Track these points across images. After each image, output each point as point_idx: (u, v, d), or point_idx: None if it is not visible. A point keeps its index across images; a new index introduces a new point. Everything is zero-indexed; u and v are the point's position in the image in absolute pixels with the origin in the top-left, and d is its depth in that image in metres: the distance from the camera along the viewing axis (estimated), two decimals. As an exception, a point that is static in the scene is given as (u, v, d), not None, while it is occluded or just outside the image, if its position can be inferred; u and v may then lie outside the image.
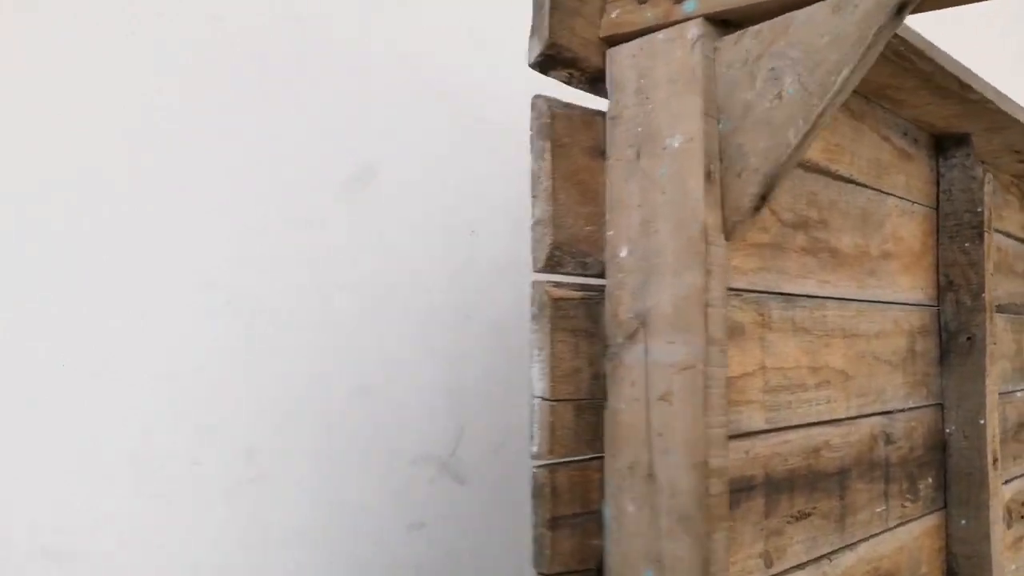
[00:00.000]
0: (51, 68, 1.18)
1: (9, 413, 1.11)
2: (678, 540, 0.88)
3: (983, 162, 1.77)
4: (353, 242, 1.47)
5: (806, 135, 0.81)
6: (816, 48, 0.79)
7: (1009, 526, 1.79)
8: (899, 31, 1.11)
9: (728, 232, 0.88)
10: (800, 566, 1.21)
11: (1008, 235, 1.93)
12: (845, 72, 0.78)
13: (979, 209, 1.56)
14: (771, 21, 0.83)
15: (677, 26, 0.89)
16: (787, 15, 0.82)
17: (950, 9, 0.87)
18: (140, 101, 1.25)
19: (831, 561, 1.27)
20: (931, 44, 1.20)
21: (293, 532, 1.36)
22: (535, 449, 0.91)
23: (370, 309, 1.47)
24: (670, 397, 0.88)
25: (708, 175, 0.86)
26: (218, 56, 1.34)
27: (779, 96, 0.82)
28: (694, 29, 0.87)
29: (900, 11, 0.75)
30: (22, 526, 1.12)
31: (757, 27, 0.85)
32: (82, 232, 1.20)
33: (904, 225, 1.50)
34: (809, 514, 1.23)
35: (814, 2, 0.80)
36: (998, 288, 1.84)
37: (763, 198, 0.86)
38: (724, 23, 0.89)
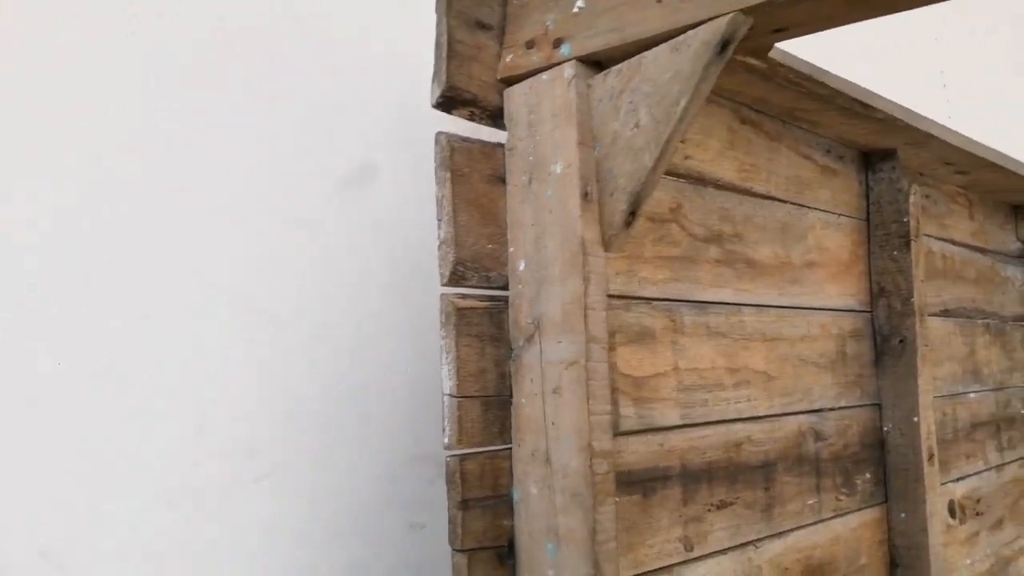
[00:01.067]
0: (49, 68, 1.20)
1: (8, 414, 1.12)
2: (571, 515, 1.00)
3: (921, 175, 1.88)
4: (352, 241, 1.49)
5: (659, 158, 0.94)
6: (661, 83, 0.93)
7: (962, 522, 1.87)
8: (787, 60, 1.23)
9: (606, 244, 1.01)
10: (723, 551, 1.31)
11: (955, 243, 2.03)
12: (683, 102, 0.91)
13: (905, 219, 1.67)
14: (628, 61, 0.97)
15: (557, 67, 1.03)
16: (640, 55, 0.95)
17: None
18: (139, 101, 1.27)
19: (756, 548, 1.37)
20: (821, 70, 1.32)
21: (293, 532, 1.38)
22: (446, 440, 1.04)
23: (369, 308, 1.50)
24: (560, 390, 1.01)
25: (585, 195, 1.00)
26: (217, 56, 1.36)
27: (636, 125, 0.96)
28: (569, 70, 1.01)
29: (724, 48, 0.88)
30: (21, 528, 1.13)
31: (619, 66, 0.98)
32: (81, 232, 1.21)
33: (829, 236, 1.61)
34: (731, 503, 1.34)
35: (657, 44, 0.93)
36: (943, 293, 1.94)
37: (632, 214, 0.99)
38: (597, 64, 1.02)
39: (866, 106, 1.44)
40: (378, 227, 1.54)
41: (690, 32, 0.90)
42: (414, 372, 1.56)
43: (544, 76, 1.04)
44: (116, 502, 1.21)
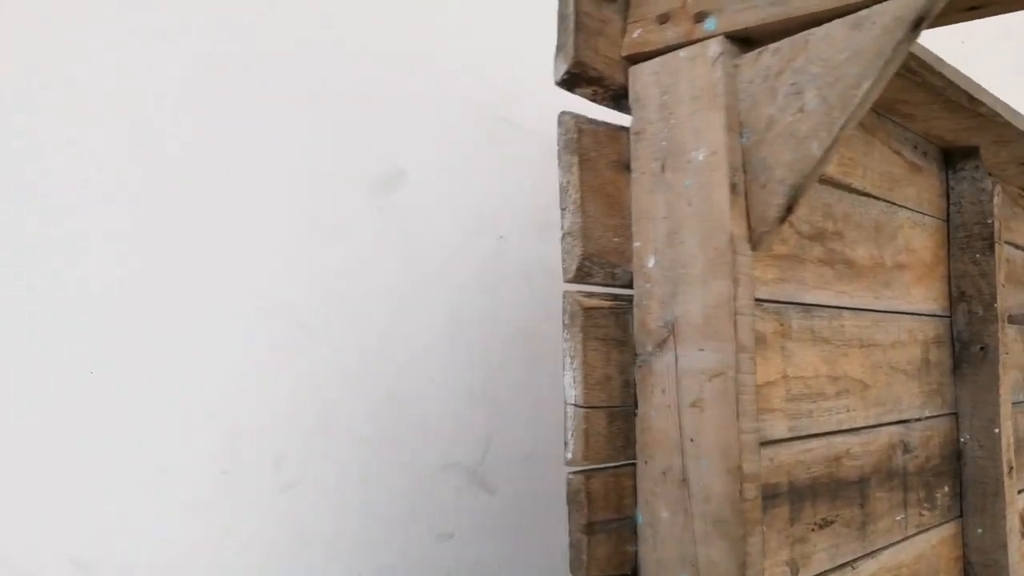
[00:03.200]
0: (76, 70, 1.17)
1: (38, 421, 1.12)
2: (713, 544, 0.90)
3: (990, 174, 1.81)
4: (382, 247, 1.47)
5: (829, 147, 0.84)
6: (836, 63, 0.83)
7: (1026, 535, 1.80)
8: (914, 47, 1.14)
9: (754, 242, 0.91)
10: (824, 573, 1.23)
11: (1017, 247, 1.96)
12: (865, 86, 0.81)
13: (989, 221, 1.59)
14: (790, 39, 0.86)
15: (698, 44, 0.92)
16: (805, 32, 0.85)
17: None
18: (167, 106, 1.26)
19: (854, 568, 1.28)
20: (940, 59, 1.23)
21: (321, 541, 1.35)
22: (569, 456, 0.93)
23: (398, 315, 1.47)
24: (701, 403, 0.91)
25: (733, 187, 0.89)
26: (247, 62, 1.34)
27: (801, 110, 0.85)
28: (715, 47, 0.91)
29: (917, 26, 0.79)
30: (50, 535, 1.12)
31: (776, 44, 0.88)
32: (109, 239, 1.20)
33: (916, 237, 1.53)
34: (832, 522, 1.25)
35: (829, 20, 0.83)
36: (1009, 299, 1.86)
37: (789, 208, 0.89)
38: (744, 41, 0.92)
39: (972, 99, 1.35)
40: (406, 232, 1.52)
41: (876, 7, 0.80)
42: (444, 380, 1.54)
43: (682, 53, 0.94)
44: (147, 510, 1.20)
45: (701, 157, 0.91)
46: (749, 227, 0.91)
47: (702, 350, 0.91)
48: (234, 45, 1.32)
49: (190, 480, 1.23)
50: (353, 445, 1.38)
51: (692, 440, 0.91)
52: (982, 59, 2.96)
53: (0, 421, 1.08)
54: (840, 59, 0.82)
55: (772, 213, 0.89)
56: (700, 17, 0.92)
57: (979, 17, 0.85)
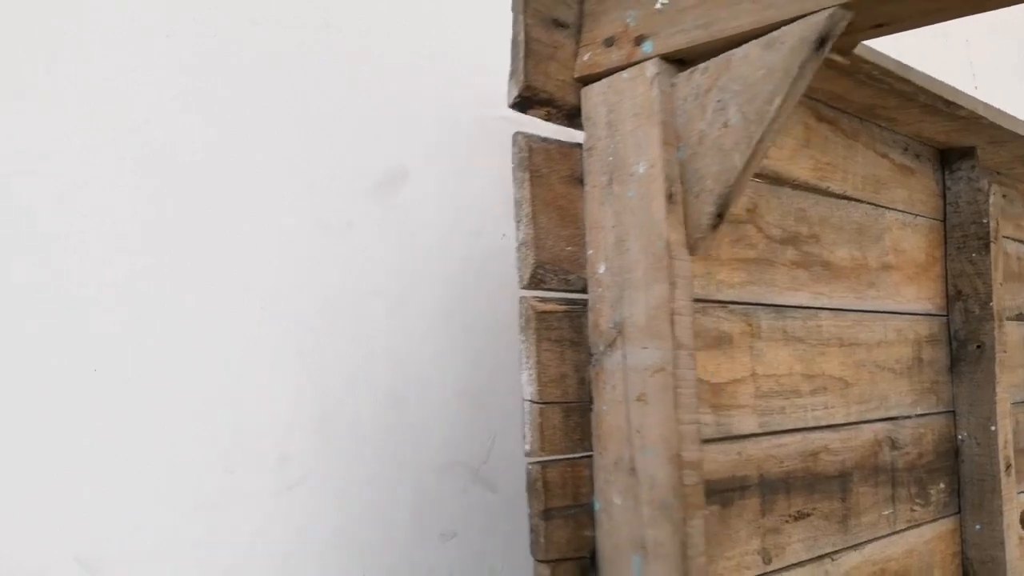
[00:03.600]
0: (78, 69, 1.19)
1: (42, 419, 1.12)
2: (659, 527, 0.97)
3: (998, 173, 1.82)
4: (385, 247, 1.47)
5: (750, 158, 0.91)
6: (752, 81, 0.89)
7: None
8: (872, 56, 1.19)
9: (691, 247, 0.98)
10: (800, 564, 1.28)
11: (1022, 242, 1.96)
12: (777, 101, 0.87)
13: (985, 220, 1.61)
14: (716, 58, 0.94)
15: (638, 65, 1.00)
16: (728, 52, 0.92)
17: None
18: (169, 106, 1.26)
19: (833, 560, 1.33)
20: (905, 66, 1.27)
21: (325, 541, 1.37)
22: (527, 447, 1.02)
23: (401, 315, 1.48)
24: (645, 397, 0.98)
25: (670, 197, 0.97)
26: (249, 60, 1.34)
27: (725, 125, 0.92)
28: (652, 68, 0.98)
29: (821, 45, 0.85)
30: (54, 534, 1.12)
31: (705, 64, 0.95)
32: (111, 238, 1.20)
33: (907, 237, 1.56)
34: (808, 514, 1.30)
35: (747, 41, 0.90)
36: (1016, 297, 1.87)
37: (720, 216, 0.96)
38: (679, 61, 0.99)
39: (949, 103, 1.38)
40: (412, 232, 1.52)
41: (785, 28, 0.87)
42: (448, 379, 1.54)
43: (624, 74, 1.02)
44: (151, 509, 1.20)
45: (642, 170, 0.99)
46: (687, 234, 0.98)
47: (645, 348, 0.98)
48: (236, 45, 1.33)
49: (194, 479, 1.23)
50: (356, 444, 1.40)
51: (638, 431, 0.99)
52: (986, 59, 2.93)
53: (3, 420, 1.10)
54: (756, 77, 0.89)
55: (705, 220, 0.96)
56: (639, 40, 1.00)
57: (885, 34, 0.90)
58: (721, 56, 0.93)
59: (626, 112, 1.01)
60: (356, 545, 1.41)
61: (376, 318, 1.45)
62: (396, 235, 1.49)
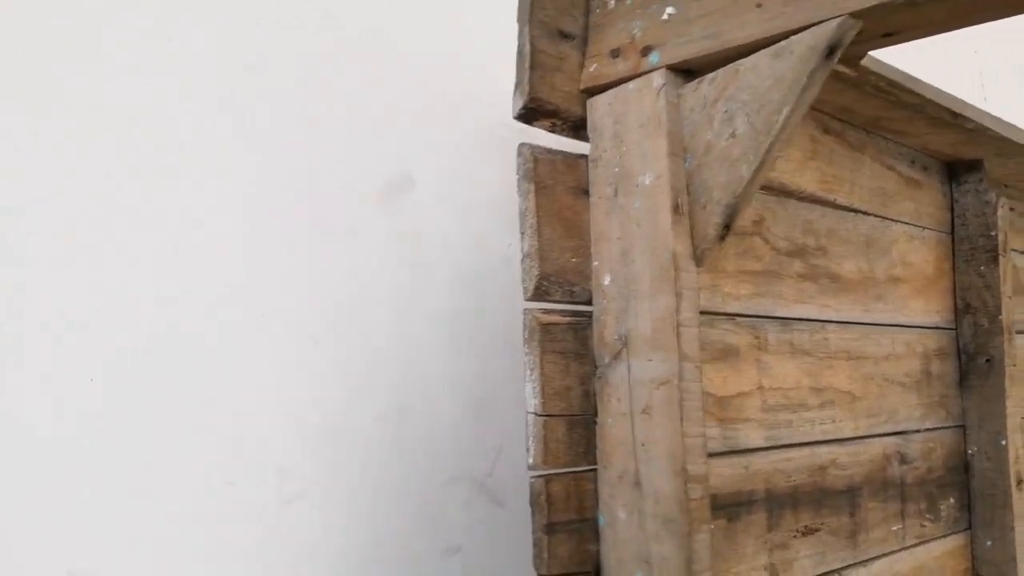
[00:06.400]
0: (82, 71, 1.17)
1: (37, 429, 1.10)
2: (664, 542, 0.96)
3: (1005, 186, 1.81)
4: (389, 255, 1.45)
5: (757, 168, 0.90)
6: (761, 91, 0.89)
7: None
8: (879, 67, 1.19)
9: (698, 259, 0.97)
10: (808, 580, 1.26)
11: (1037, 257, 1.94)
12: (786, 111, 0.87)
13: (993, 233, 1.60)
14: (723, 68, 0.93)
15: (644, 76, 0.99)
16: (736, 63, 0.92)
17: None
18: (172, 110, 1.25)
19: (842, 576, 1.31)
20: (912, 77, 1.27)
21: (325, 555, 1.35)
22: (531, 460, 1.01)
23: (405, 324, 1.46)
24: (650, 410, 0.97)
25: (676, 208, 0.96)
26: (253, 63, 1.33)
27: (733, 135, 0.92)
28: (658, 79, 0.98)
29: (830, 54, 0.84)
30: (49, 545, 1.10)
31: (712, 74, 0.94)
32: (110, 245, 1.18)
33: (915, 250, 1.55)
34: (816, 529, 1.28)
35: (756, 51, 0.89)
36: (1021, 310, 1.85)
37: (727, 227, 0.95)
38: (686, 72, 0.99)
39: (956, 115, 1.37)
40: (417, 241, 1.50)
41: (794, 37, 0.86)
42: (452, 390, 1.52)
43: (631, 85, 1.01)
44: (148, 522, 1.18)
45: (648, 181, 0.98)
46: (692, 245, 0.97)
47: (650, 360, 0.97)
48: (240, 49, 1.32)
49: (193, 491, 1.21)
50: (359, 456, 1.38)
51: (643, 445, 0.97)
52: (995, 69, 2.92)
53: (-1, 430, 1.09)
54: (764, 87, 0.89)
55: (712, 231, 0.95)
56: (646, 51, 0.99)
57: (894, 44, 0.89)
58: (729, 66, 0.92)
59: (632, 123, 1.00)
60: (358, 559, 1.38)
61: (379, 327, 1.43)
62: (400, 244, 1.47)
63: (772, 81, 0.88)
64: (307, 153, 1.38)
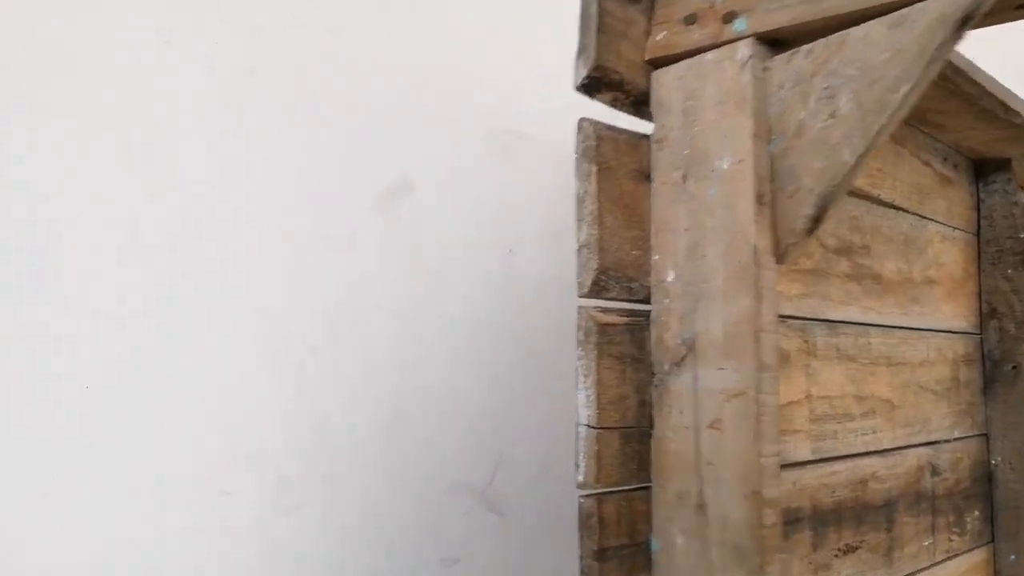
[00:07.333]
0: (81, 74, 1.14)
1: (32, 439, 1.06)
2: (731, 573, 0.85)
3: (1024, 188, 1.75)
4: (388, 261, 1.42)
5: (863, 154, 0.79)
6: (874, 65, 0.78)
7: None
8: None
9: (780, 256, 0.86)
10: (848, 602, 1.17)
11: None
12: (904, 89, 0.76)
13: (1021, 235, 1.53)
14: (825, 39, 0.82)
15: (727, 46, 0.87)
16: (842, 33, 0.80)
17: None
18: (171, 117, 1.21)
19: (879, 597, 1.23)
20: (976, 66, 1.18)
21: (323, 565, 1.30)
22: (581, 478, 0.88)
23: (404, 331, 1.42)
24: (720, 425, 0.86)
25: (759, 197, 0.84)
26: (251, 68, 1.29)
27: (833, 115, 0.80)
28: (744, 49, 0.86)
29: (963, 25, 0.73)
30: (43, 557, 1.07)
31: (810, 46, 0.83)
32: (108, 250, 1.15)
33: (946, 251, 1.47)
34: (856, 547, 1.19)
35: (867, 20, 0.78)
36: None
37: (817, 220, 0.84)
38: (774, 43, 0.87)
39: (1008, 109, 1.29)
40: (416, 246, 1.47)
41: (918, 5, 0.75)
42: (451, 398, 1.48)
43: (708, 56, 0.89)
44: (143, 532, 1.15)
45: (726, 166, 0.86)
46: (775, 239, 0.86)
47: (722, 369, 0.86)
48: (239, 56, 1.28)
49: (188, 501, 1.18)
50: (357, 465, 1.33)
51: (710, 464, 0.86)
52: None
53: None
54: (879, 60, 0.77)
55: (800, 224, 0.84)
56: (729, 17, 0.87)
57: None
58: (833, 36, 0.80)
59: (709, 99, 0.88)
60: (355, 570, 1.33)
61: (379, 333, 1.40)
62: (399, 249, 1.45)
63: (889, 54, 0.76)
64: (306, 159, 1.35)
